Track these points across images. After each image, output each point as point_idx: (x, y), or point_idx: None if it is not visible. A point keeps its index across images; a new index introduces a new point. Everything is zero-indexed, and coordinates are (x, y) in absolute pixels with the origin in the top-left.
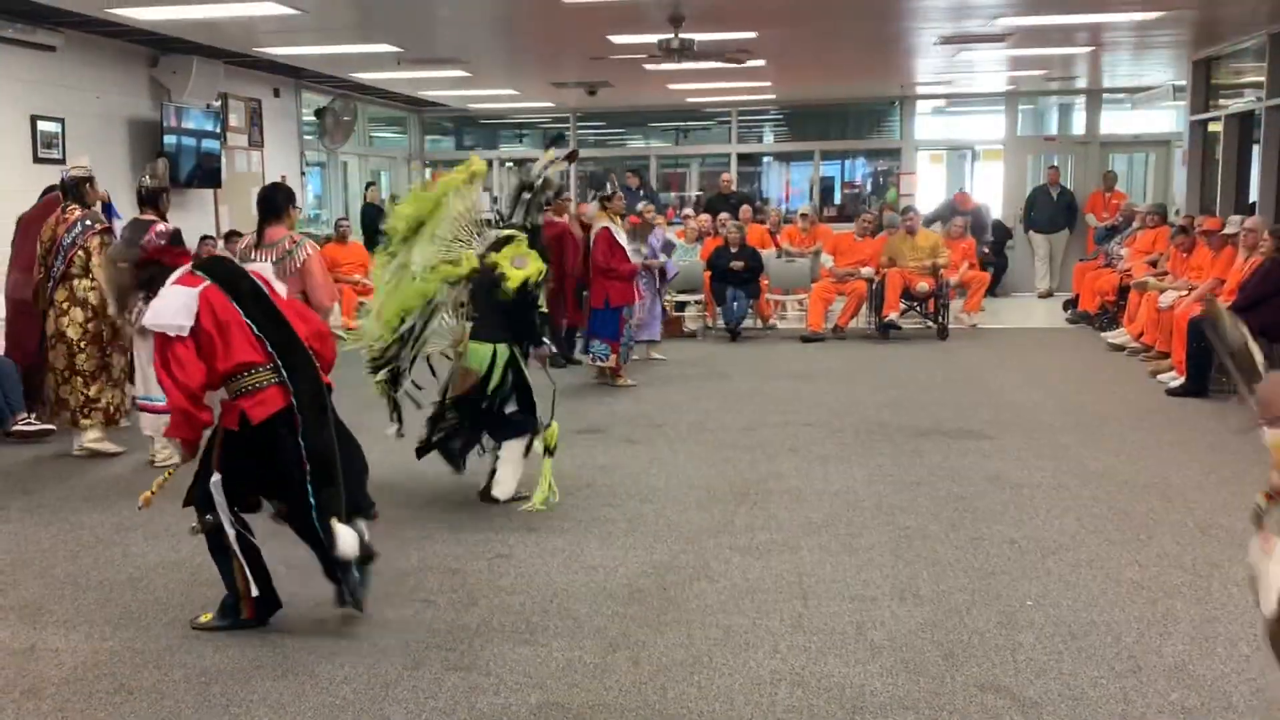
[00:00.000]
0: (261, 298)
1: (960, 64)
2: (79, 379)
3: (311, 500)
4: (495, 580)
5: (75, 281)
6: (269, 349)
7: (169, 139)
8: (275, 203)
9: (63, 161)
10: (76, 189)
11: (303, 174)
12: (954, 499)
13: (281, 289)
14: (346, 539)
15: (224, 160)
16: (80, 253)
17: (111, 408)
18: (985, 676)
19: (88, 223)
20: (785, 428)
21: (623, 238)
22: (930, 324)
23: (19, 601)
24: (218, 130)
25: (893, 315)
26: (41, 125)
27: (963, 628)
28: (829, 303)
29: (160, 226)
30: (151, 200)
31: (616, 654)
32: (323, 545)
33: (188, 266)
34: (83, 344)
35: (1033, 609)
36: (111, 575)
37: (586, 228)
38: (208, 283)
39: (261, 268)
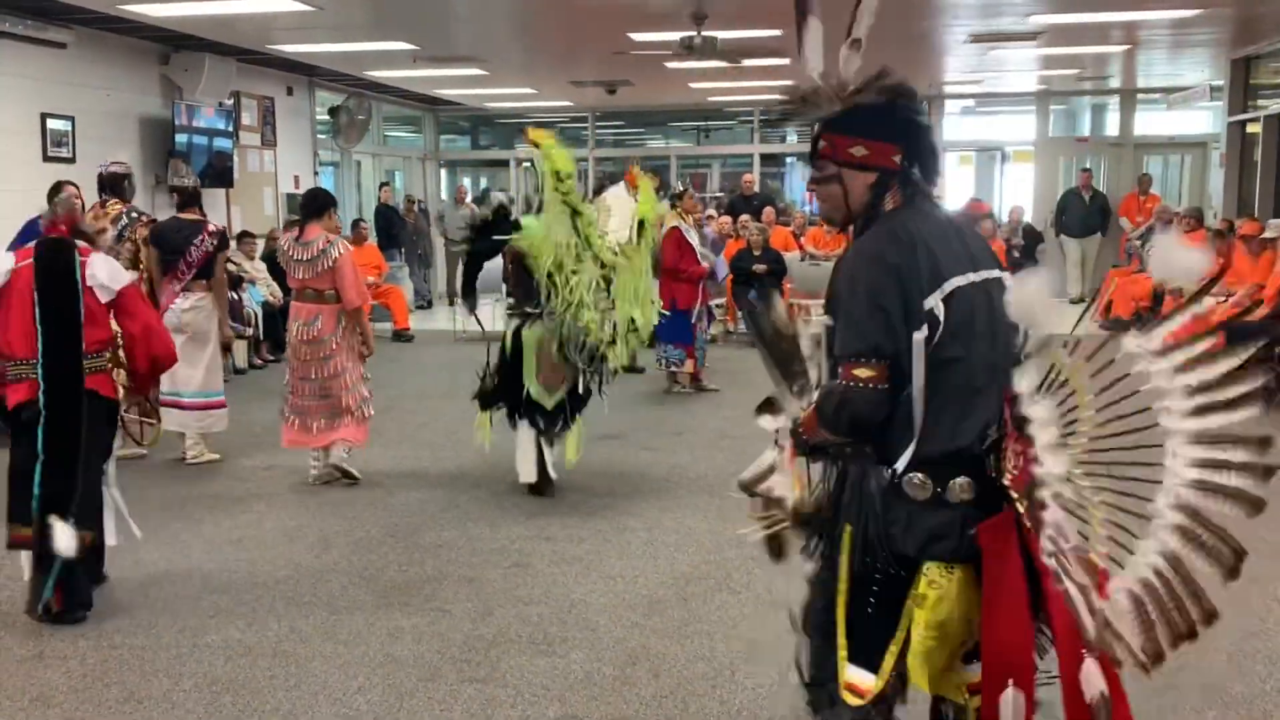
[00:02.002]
0: (67, 294)
1: (990, 62)
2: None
3: (37, 490)
4: (512, 590)
5: None
6: (38, 345)
7: (180, 138)
8: (316, 204)
9: (73, 160)
10: (116, 184)
11: (316, 174)
12: None
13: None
14: (64, 537)
15: (236, 159)
16: (128, 245)
17: (148, 406)
18: None
19: (133, 215)
20: None
21: (694, 238)
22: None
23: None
24: (230, 129)
25: None
26: (51, 123)
27: None
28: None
29: (212, 227)
30: (196, 199)
31: (637, 666)
32: (42, 535)
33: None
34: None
35: None
36: (121, 582)
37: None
38: (28, 262)
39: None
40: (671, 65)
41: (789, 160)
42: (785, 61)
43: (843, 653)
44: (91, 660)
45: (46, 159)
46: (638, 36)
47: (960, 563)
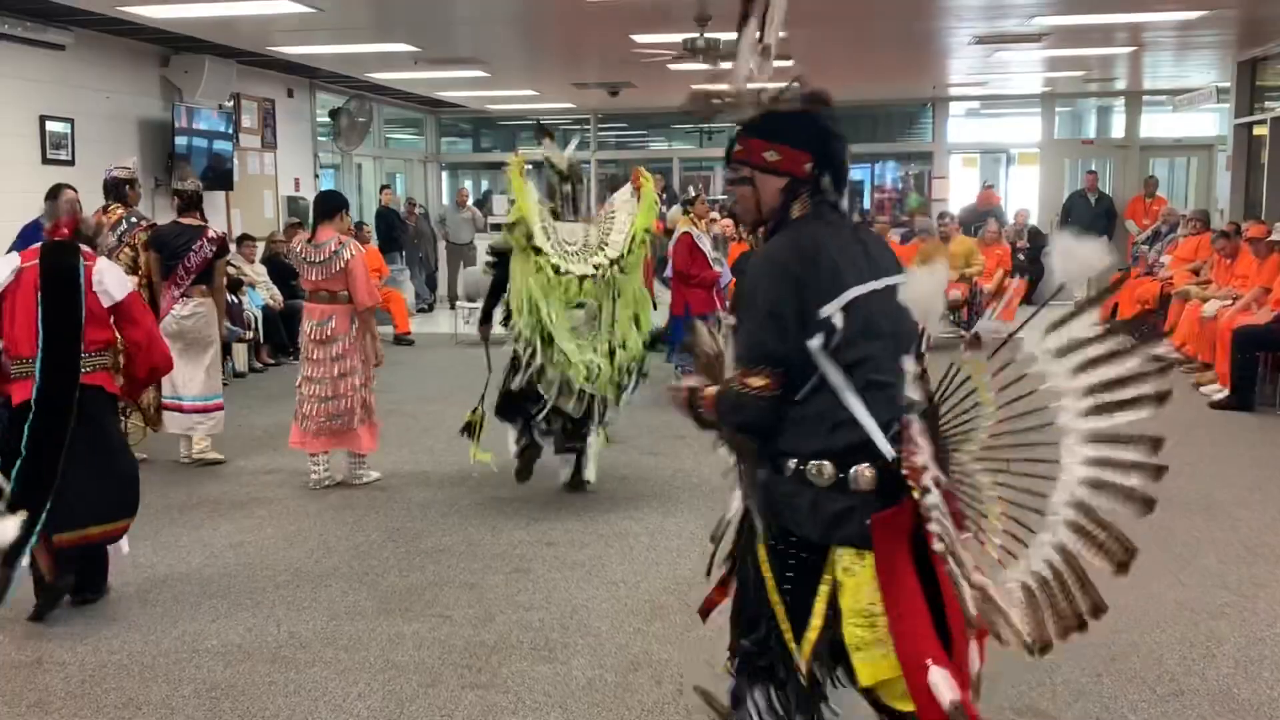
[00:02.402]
0: (70, 297)
1: (995, 64)
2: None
3: (11, 484)
4: (514, 595)
5: None
6: (39, 344)
7: (180, 140)
8: (329, 206)
9: (72, 163)
10: (118, 189)
11: (316, 176)
12: None
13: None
14: (4, 530)
15: (236, 162)
16: (127, 249)
17: (151, 408)
18: (1021, 700)
19: (133, 220)
20: None
21: (705, 244)
22: (963, 333)
23: (25, 613)
24: (230, 131)
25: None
26: (50, 126)
27: (998, 649)
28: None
29: (211, 232)
30: (196, 204)
31: (639, 673)
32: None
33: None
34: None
35: None
36: (119, 587)
37: (668, 233)
38: (33, 263)
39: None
40: (674, 67)
41: None
42: (789, 63)
43: (790, 636)
44: (90, 665)
45: (45, 161)
46: (640, 38)
47: (871, 549)
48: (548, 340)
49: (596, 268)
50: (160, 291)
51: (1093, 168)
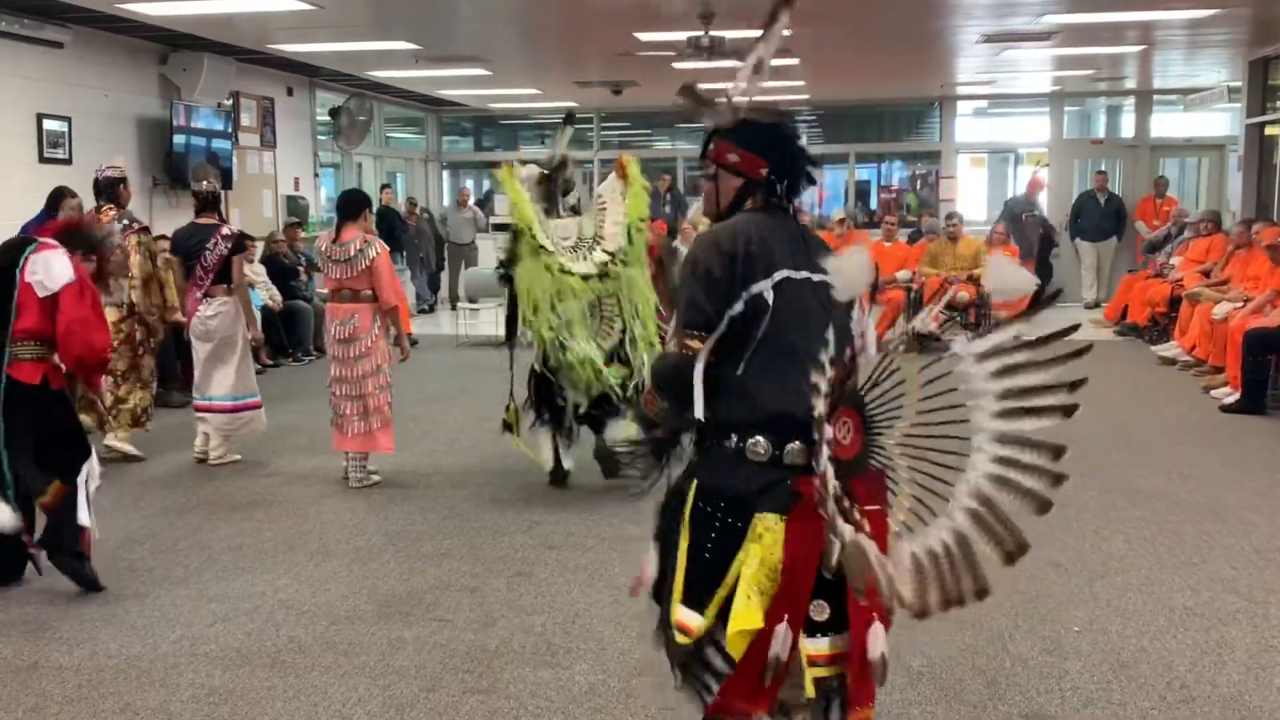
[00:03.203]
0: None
1: (1003, 63)
2: (109, 379)
3: None
4: (515, 599)
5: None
6: None
7: (178, 138)
8: (352, 205)
9: (69, 161)
10: (112, 189)
11: (316, 176)
12: None
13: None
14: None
15: (235, 161)
16: (118, 251)
17: (139, 410)
18: (1030, 706)
19: (125, 222)
20: None
21: None
22: (971, 334)
23: (21, 616)
24: (229, 130)
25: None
26: (48, 124)
27: (1005, 654)
28: (864, 311)
29: (225, 230)
30: (214, 204)
31: (642, 678)
32: None
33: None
34: (115, 344)
35: (1079, 636)
36: (117, 590)
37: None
38: None
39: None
40: (679, 65)
41: None
42: (795, 61)
43: (677, 595)
44: (87, 669)
45: (43, 160)
46: (644, 36)
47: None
48: (560, 341)
49: (599, 264)
50: (183, 294)
51: (1102, 168)
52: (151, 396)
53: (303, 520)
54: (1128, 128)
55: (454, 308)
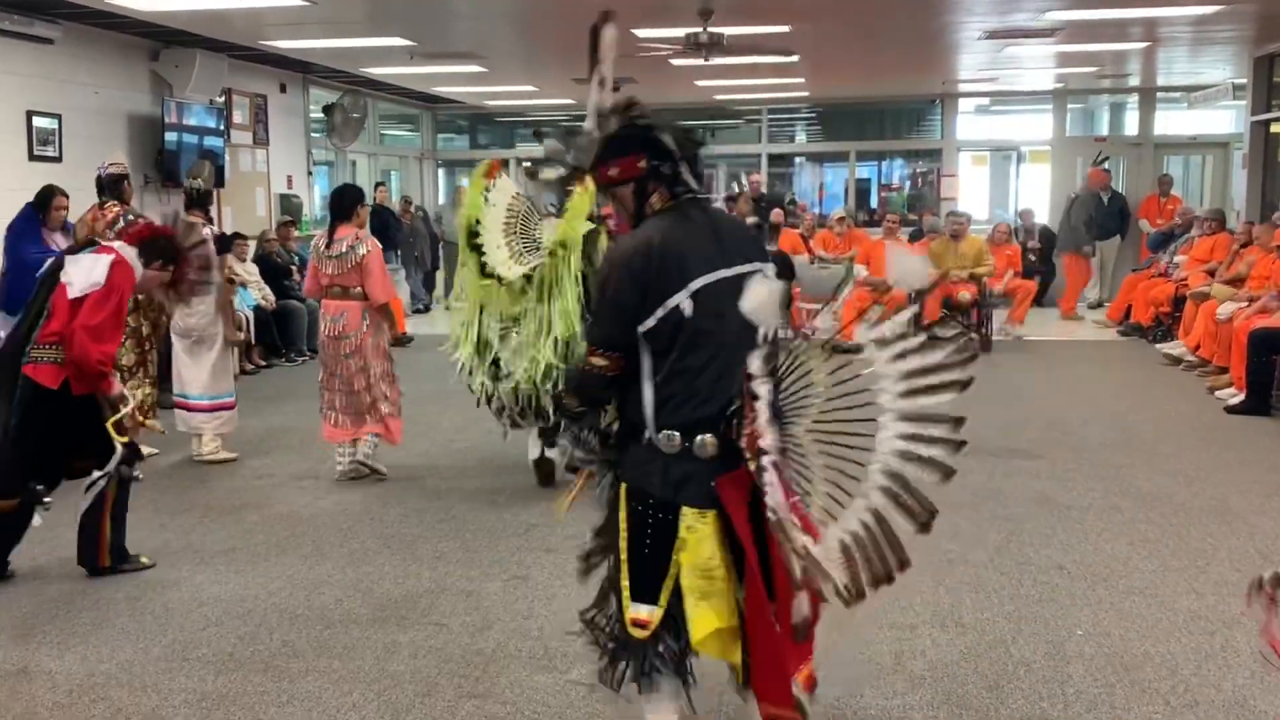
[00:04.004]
0: (43, 288)
1: (1006, 60)
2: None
3: None
4: (512, 603)
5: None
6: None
7: (170, 136)
8: (346, 203)
9: (59, 159)
10: (115, 185)
11: (309, 173)
12: (998, 521)
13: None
14: None
15: (227, 159)
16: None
17: (146, 405)
18: (1032, 710)
19: (129, 217)
20: None
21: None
22: (973, 335)
23: (10, 621)
24: (221, 127)
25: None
26: (37, 121)
27: (1008, 658)
28: (864, 312)
29: (207, 230)
30: (201, 203)
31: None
32: None
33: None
34: (123, 341)
35: (1083, 639)
36: (108, 594)
37: None
38: None
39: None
40: (677, 62)
41: (798, 160)
42: (795, 59)
43: (626, 592)
44: (78, 675)
45: (32, 158)
46: (642, 33)
47: (711, 509)
48: (483, 351)
49: (532, 268)
50: None
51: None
52: (156, 392)
53: (296, 522)
54: (1131, 125)
55: (448, 308)
